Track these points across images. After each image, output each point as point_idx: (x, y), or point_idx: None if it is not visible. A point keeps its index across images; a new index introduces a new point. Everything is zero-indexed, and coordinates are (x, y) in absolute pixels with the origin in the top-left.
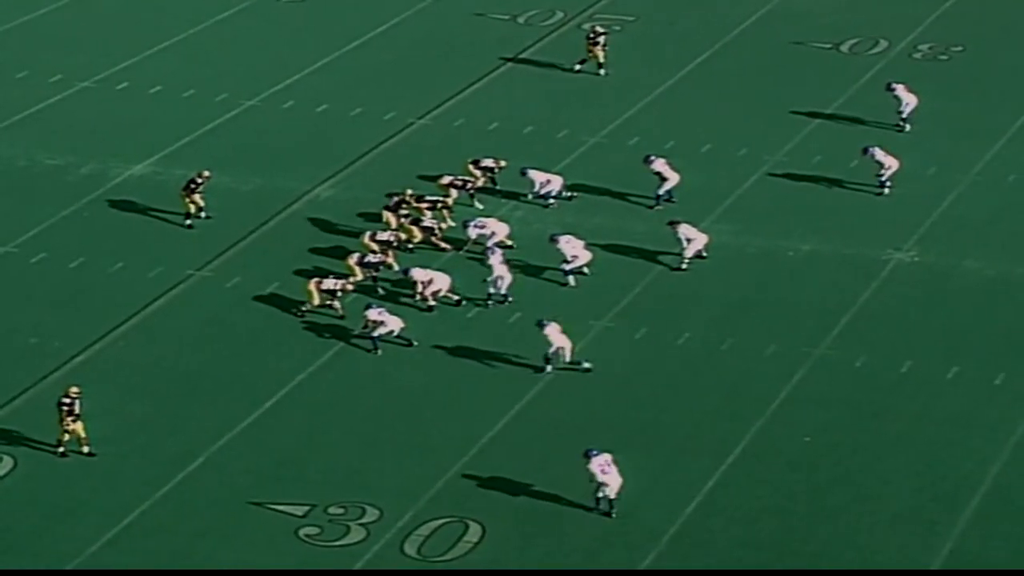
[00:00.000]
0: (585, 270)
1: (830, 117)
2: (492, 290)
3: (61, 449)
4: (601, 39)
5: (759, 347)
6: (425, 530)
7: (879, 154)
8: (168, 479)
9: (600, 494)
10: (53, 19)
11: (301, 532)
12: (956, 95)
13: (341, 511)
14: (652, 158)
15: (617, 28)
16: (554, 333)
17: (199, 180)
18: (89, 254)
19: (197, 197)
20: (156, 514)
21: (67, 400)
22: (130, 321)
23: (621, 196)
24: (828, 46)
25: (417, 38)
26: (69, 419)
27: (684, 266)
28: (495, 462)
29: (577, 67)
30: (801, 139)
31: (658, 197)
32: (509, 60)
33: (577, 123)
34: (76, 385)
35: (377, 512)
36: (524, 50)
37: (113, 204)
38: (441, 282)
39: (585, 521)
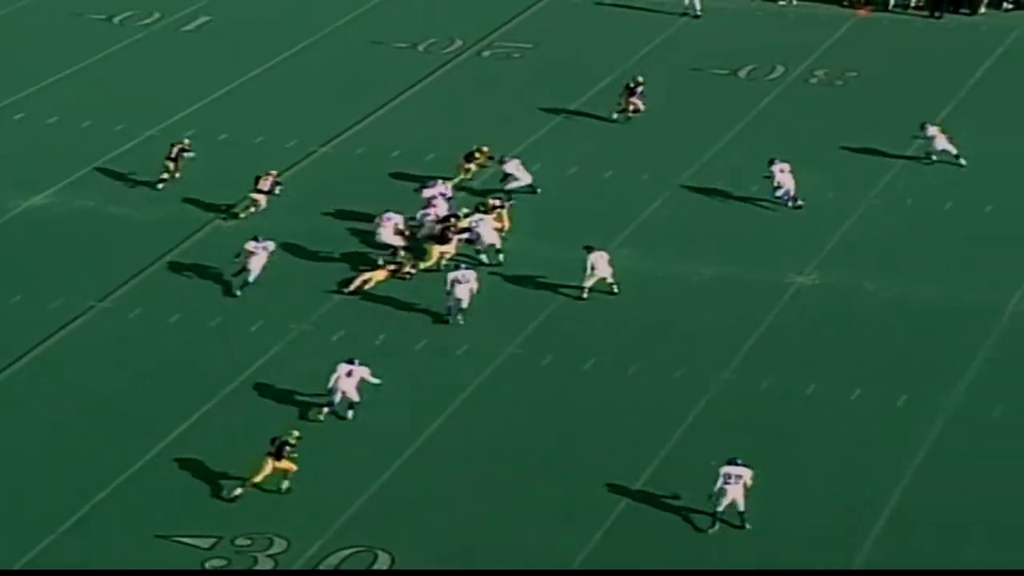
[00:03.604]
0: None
1: (730, 142)
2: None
3: None
4: (639, 89)
5: (666, 372)
6: (334, 559)
7: (778, 172)
8: (72, 512)
9: None
10: None
11: (207, 564)
12: (852, 119)
13: (248, 542)
14: (505, 159)
15: (516, 55)
16: None
17: (183, 149)
18: None
19: (172, 165)
20: (60, 548)
21: None
22: (31, 353)
23: (533, 220)
24: (726, 72)
25: (318, 66)
26: None
27: (584, 296)
28: (404, 490)
29: (615, 116)
30: (702, 164)
31: (508, 192)
32: (410, 88)
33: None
34: None
35: (284, 543)
36: (424, 78)
37: (11, 236)
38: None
39: (497, 549)
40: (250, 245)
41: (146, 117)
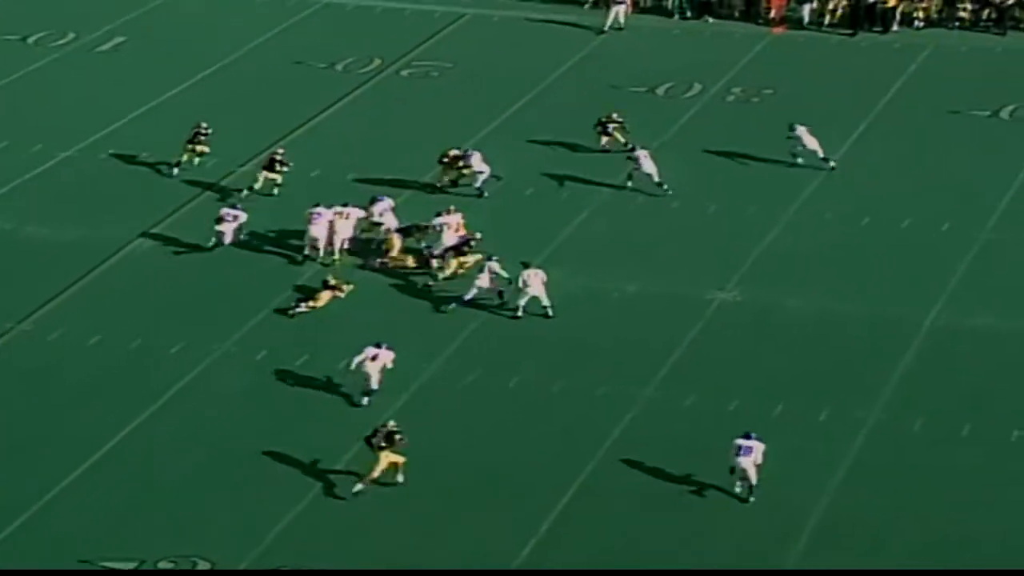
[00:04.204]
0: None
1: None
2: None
3: None
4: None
5: (589, 389)
6: None
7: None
8: None
9: None
10: None
11: None
12: (770, 136)
13: (171, 565)
14: (470, 152)
15: (435, 74)
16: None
17: (202, 132)
18: None
19: (197, 148)
20: None
21: None
22: None
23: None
24: (644, 90)
25: (235, 86)
26: None
27: (519, 314)
28: (328, 510)
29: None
30: (623, 180)
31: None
32: (328, 108)
33: (398, 168)
34: None
35: (208, 564)
36: (343, 97)
37: None
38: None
39: (420, 566)
40: (224, 211)
41: (62, 138)
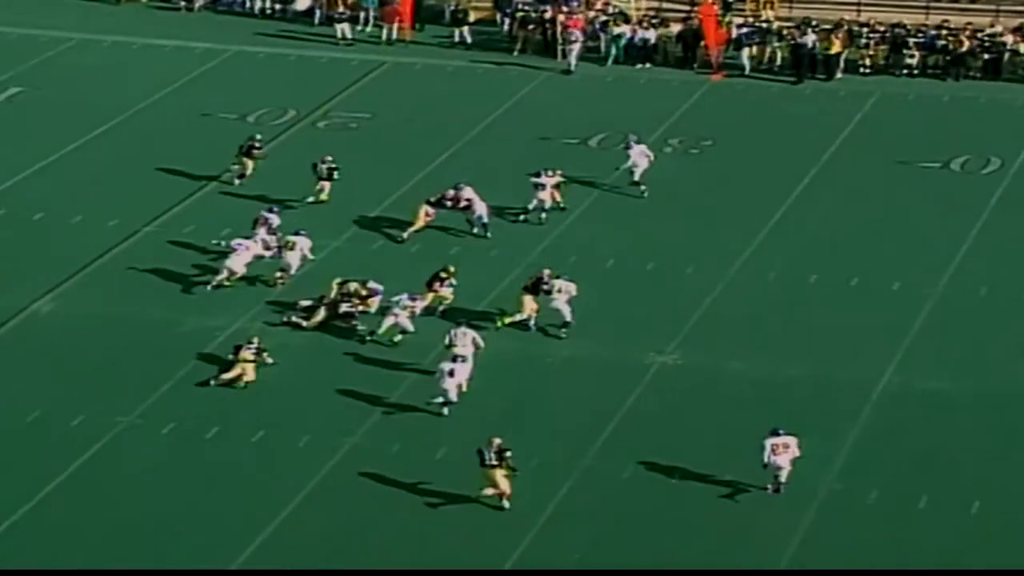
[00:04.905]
0: None
1: (583, 214)
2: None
3: None
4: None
5: (522, 461)
6: None
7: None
8: None
9: None
10: None
11: None
12: (710, 190)
13: None
14: (460, 186)
15: (353, 126)
16: None
17: (256, 144)
18: None
19: (250, 162)
20: None
21: None
22: None
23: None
24: (576, 141)
25: (141, 139)
26: None
27: (445, 412)
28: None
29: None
30: (552, 239)
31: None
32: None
33: (314, 225)
34: None
35: None
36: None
37: None
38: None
39: None
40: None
41: None
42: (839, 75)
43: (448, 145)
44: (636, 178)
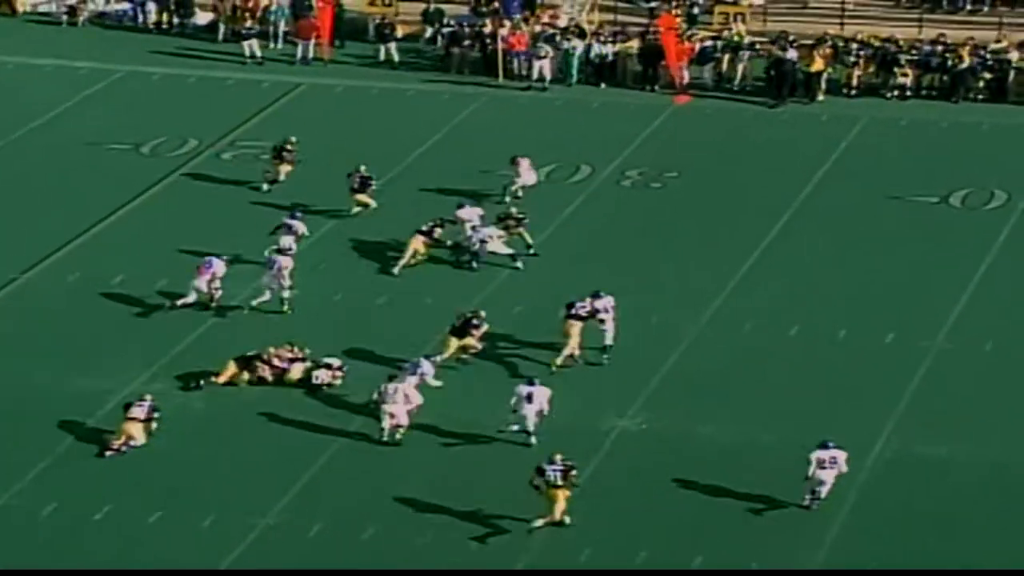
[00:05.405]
0: None
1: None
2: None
3: None
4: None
5: (472, 533)
6: None
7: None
8: None
9: None
10: None
11: None
12: (674, 230)
13: None
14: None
15: (265, 157)
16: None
17: (289, 147)
18: None
19: (286, 167)
20: None
21: None
22: None
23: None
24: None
25: (15, 175)
26: None
27: (384, 438)
28: None
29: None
30: (495, 287)
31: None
32: (134, 198)
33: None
34: None
35: None
36: (152, 186)
37: None
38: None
39: None
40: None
41: None
42: (821, 97)
43: (372, 178)
44: (519, 194)
